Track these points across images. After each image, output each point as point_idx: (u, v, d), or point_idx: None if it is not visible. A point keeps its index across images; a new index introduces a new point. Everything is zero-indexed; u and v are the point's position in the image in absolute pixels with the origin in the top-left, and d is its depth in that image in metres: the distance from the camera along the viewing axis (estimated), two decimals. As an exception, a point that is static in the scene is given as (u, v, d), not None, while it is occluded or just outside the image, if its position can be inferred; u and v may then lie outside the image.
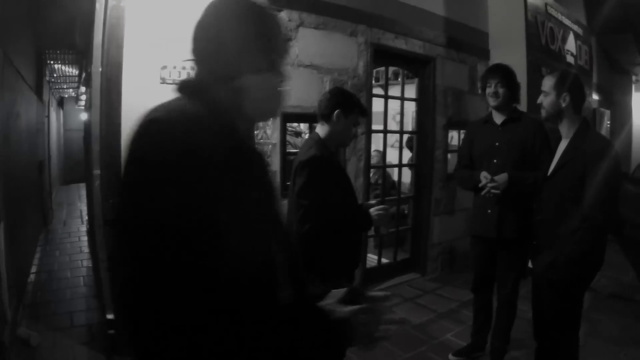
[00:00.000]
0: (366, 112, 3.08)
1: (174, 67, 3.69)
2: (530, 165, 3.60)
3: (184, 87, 1.32)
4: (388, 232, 6.02)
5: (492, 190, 3.55)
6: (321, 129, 2.91)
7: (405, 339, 4.39)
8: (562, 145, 3.06)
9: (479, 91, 3.97)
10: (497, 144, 3.74)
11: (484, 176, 3.61)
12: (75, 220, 9.83)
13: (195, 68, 1.35)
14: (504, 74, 3.71)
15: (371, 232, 4.38)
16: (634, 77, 13.05)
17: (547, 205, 3.06)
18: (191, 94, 1.27)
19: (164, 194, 1.05)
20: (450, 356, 4.08)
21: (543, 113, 3.06)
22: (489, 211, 3.73)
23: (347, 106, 2.87)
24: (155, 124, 1.13)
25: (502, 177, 3.54)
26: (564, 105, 2.96)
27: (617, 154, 2.90)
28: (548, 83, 3.02)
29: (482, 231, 3.82)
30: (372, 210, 2.90)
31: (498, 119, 3.79)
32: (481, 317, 4.05)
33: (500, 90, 3.67)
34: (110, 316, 3.66)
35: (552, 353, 3.11)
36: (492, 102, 3.73)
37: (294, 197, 2.74)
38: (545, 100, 3.02)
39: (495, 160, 3.72)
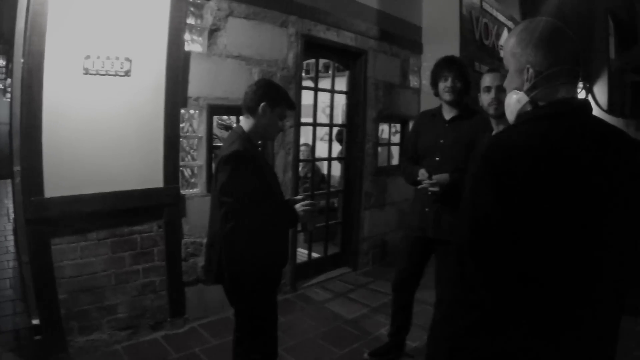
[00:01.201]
0: (293, 106, 3.15)
1: (98, 57, 3.76)
2: None
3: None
4: (315, 228, 6.29)
5: (431, 189, 3.63)
6: (246, 122, 2.97)
7: (339, 336, 4.61)
8: None
9: (430, 85, 3.94)
10: (441, 140, 3.78)
11: (422, 173, 3.69)
12: (2, 218, 9.61)
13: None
14: (460, 67, 3.77)
15: (298, 227, 4.52)
16: (564, 72, 13.78)
17: None
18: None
19: None
20: (365, 355, 4.18)
21: (492, 110, 3.19)
22: (427, 209, 3.79)
23: (273, 99, 2.93)
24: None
25: (442, 177, 3.61)
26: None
27: None
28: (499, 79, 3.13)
29: (417, 228, 3.87)
30: (298, 206, 3.01)
31: (447, 114, 3.84)
32: (400, 317, 4.11)
33: (458, 85, 3.72)
34: (35, 321, 3.69)
35: None
36: (447, 97, 3.75)
37: (216, 193, 2.81)
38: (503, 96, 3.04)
39: (437, 158, 3.77)
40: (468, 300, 1.48)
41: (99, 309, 3.94)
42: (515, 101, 1.70)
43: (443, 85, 3.74)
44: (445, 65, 3.77)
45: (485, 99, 3.23)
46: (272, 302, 3.08)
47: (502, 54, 8.80)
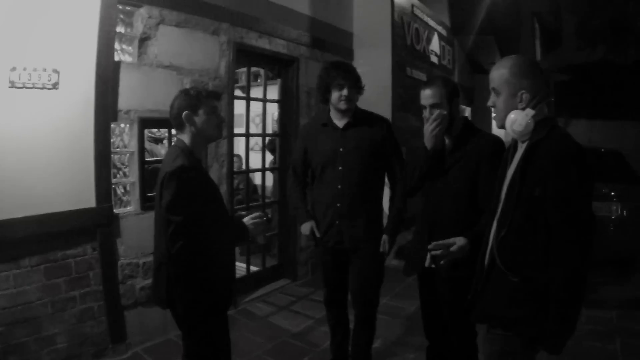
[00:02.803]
0: (215, 94, 3.01)
1: (24, 69, 3.62)
2: (381, 169, 3.79)
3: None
4: (266, 241, 6.32)
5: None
6: (184, 136, 2.91)
7: (287, 351, 4.64)
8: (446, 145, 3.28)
9: (320, 91, 3.83)
10: (341, 149, 3.71)
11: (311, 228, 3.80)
12: None
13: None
14: (354, 75, 3.72)
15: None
16: (493, 76, 14.50)
17: (439, 206, 3.22)
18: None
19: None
20: None
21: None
22: (337, 222, 3.74)
23: (190, 103, 2.87)
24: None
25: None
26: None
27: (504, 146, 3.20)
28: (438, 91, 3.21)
29: (332, 242, 3.79)
30: (246, 219, 2.99)
31: (339, 121, 3.77)
32: (339, 332, 4.09)
33: (353, 93, 3.68)
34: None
35: (455, 348, 3.35)
36: (343, 106, 3.67)
37: (161, 212, 2.73)
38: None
39: (340, 167, 3.71)
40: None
41: (38, 340, 3.78)
42: (524, 116, 2.34)
43: (338, 94, 3.66)
44: (339, 73, 3.68)
45: (424, 115, 3.26)
46: (224, 323, 3.04)
47: (431, 58, 9.13)
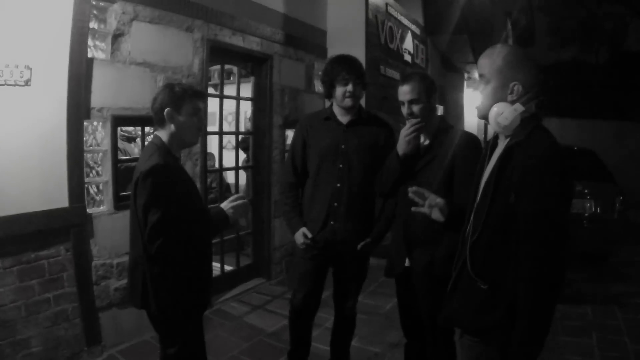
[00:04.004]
0: (201, 93, 2.98)
1: None
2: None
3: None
4: (249, 225, 6.39)
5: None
6: (162, 133, 2.86)
7: (263, 350, 4.65)
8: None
9: (322, 87, 3.80)
10: (342, 146, 3.62)
11: (304, 234, 3.67)
12: None
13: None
14: (360, 70, 3.63)
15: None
16: (465, 75, 14.63)
17: (414, 205, 3.16)
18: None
19: None
20: None
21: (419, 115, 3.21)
22: (332, 222, 3.66)
23: (174, 100, 2.81)
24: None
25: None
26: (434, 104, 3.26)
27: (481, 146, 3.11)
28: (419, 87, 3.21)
29: (322, 242, 3.70)
30: (225, 204, 2.91)
31: (343, 117, 3.69)
32: (302, 347, 4.02)
33: (358, 90, 3.59)
34: None
35: (432, 347, 3.36)
36: (349, 103, 3.59)
37: (138, 212, 2.69)
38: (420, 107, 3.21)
39: (340, 165, 3.61)
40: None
41: (12, 344, 3.73)
42: (512, 110, 2.17)
43: (343, 90, 3.56)
44: (344, 67, 3.59)
45: (403, 112, 3.25)
46: (200, 325, 3.05)
47: (405, 57, 9.22)
